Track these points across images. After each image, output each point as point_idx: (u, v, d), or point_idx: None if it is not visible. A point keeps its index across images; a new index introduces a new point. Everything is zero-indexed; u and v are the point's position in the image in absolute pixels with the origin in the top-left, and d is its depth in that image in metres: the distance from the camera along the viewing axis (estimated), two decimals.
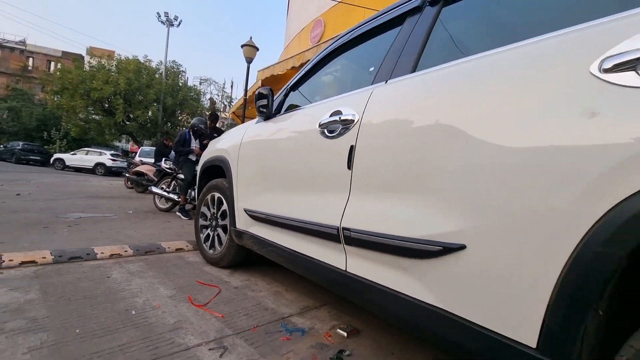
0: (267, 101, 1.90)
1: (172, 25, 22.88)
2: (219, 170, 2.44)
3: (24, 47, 33.93)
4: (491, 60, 0.94)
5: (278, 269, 2.47)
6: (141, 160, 8.59)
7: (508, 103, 0.85)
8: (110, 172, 17.95)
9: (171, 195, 5.05)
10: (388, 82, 1.28)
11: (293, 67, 6.80)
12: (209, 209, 2.54)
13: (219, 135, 6.07)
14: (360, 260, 1.20)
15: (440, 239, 0.92)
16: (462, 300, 0.88)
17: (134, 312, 1.56)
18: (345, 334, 1.54)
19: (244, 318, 1.63)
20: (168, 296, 1.80)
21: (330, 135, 1.39)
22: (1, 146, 21.15)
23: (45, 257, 2.16)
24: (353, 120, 1.30)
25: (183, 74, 26.87)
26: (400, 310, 1.05)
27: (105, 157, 18.37)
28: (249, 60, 8.11)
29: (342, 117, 1.35)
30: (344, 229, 1.25)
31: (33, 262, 2.08)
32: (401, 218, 1.05)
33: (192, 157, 5.16)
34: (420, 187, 1.01)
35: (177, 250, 2.79)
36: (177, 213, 4.84)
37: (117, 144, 28.01)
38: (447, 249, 0.90)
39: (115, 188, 8.67)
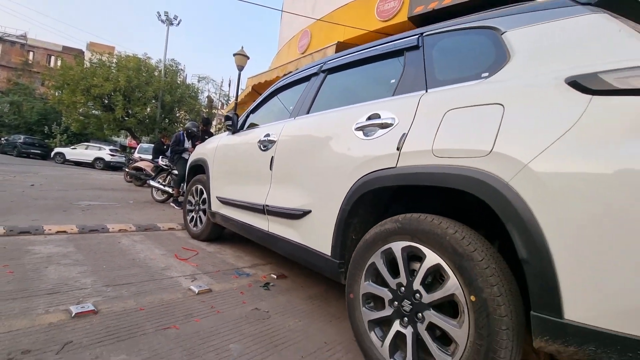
0: (232, 122, 2.75)
1: (172, 24, 23.54)
2: (201, 168, 3.27)
3: (24, 42, 34.43)
4: (329, 114, 1.80)
5: (242, 243, 3.30)
6: (140, 157, 9.37)
7: (331, 136, 1.69)
8: (108, 166, 18.66)
9: (166, 188, 5.87)
10: (296, 118, 2.12)
11: (277, 77, 7.63)
12: (193, 197, 3.38)
13: (209, 137, 6.91)
14: (273, 224, 2.05)
15: (301, 208, 1.77)
16: (310, 238, 1.73)
17: (138, 260, 2.40)
18: (275, 276, 2.39)
19: (210, 267, 2.48)
20: (161, 254, 2.64)
21: (263, 149, 2.23)
22: (3, 139, 21.82)
23: (72, 229, 2.99)
24: (274, 141, 2.14)
25: (181, 72, 27.53)
26: (289, 248, 1.90)
27: (105, 152, 19.08)
28: (240, 68, 8.92)
29: (269, 138, 2.19)
30: (265, 205, 2.09)
31: (64, 231, 2.91)
32: (288, 197, 1.90)
33: (186, 156, 5.98)
34: (295, 180, 1.86)
35: (170, 229, 3.63)
36: (172, 204, 5.67)
37: (115, 139, 28.67)
38: (305, 213, 1.75)
39: (116, 182, 9.47)
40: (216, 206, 2.85)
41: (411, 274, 1.22)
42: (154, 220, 3.97)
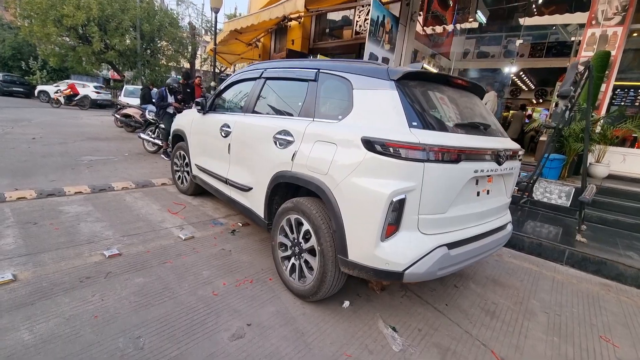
0: (201, 106, 3.46)
1: None
2: (181, 138, 4.05)
3: None
4: (263, 120, 2.57)
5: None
6: (128, 104, 9.80)
7: (262, 139, 2.49)
8: (95, 104, 18.76)
9: (156, 141, 6.62)
10: (245, 114, 2.87)
11: (252, 24, 7.77)
12: (178, 160, 4.22)
13: (191, 90, 7.41)
14: (233, 191, 2.95)
15: (247, 185, 2.66)
16: (254, 204, 2.65)
17: (141, 215, 3.35)
18: (241, 224, 3.39)
19: (194, 218, 3.45)
20: (157, 209, 3.59)
21: (224, 135, 3.01)
22: None
23: (86, 189, 3.88)
24: (230, 131, 2.92)
25: None
26: (243, 209, 2.83)
27: (89, 90, 18.94)
28: (216, 10, 8.84)
29: (227, 129, 2.96)
30: (226, 178, 2.97)
31: (81, 192, 3.81)
32: (240, 176, 2.77)
33: (170, 110, 6.60)
34: (244, 165, 2.72)
35: (162, 184, 4.54)
36: (162, 155, 6.48)
37: (101, 72, 27.69)
38: (249, 188, 2.64)
39: (108, 128, 10.05)
40: (195, 171, 3.71)
41: (298, 233, 2.18)
42: (148, 176, 4.85)
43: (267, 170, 2.41)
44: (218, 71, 30.36)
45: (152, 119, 6.81)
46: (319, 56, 6.66)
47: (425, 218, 1.74)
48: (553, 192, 4.59)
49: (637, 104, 6.54)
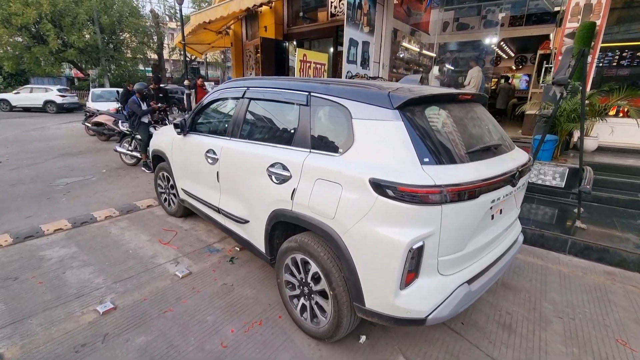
0: (180, 128, 3.19)
1: None
2: (162, 158, 3.77)
3: None
4: (252, 149, 2.36)
5: None
6: (98, 110, 9.19)
7: (254, 170, 2.30)
8: (62, 108, 17.69)
9: (134, 154, 6.26)
10: (231, 139, 2.64)
11: (222, 16, 7.26)
12: (162, 182, 3.96)
13: (164, 95, 6.98)
14: (228, 221, 2.76)
15: (243, 217, 2.48)
16: (252, 237, 2.48)
17: (130, 251, 3.14)
18: (238, 249, 3.23)
19: (188, 247, 3.27)
20: (147, 240, 3.38)
21: (210, 162, 2.79)
22: None
23: (67, 225, 3.61)
24: (217, 159, 2.70)
25: None
26: (240, 240, 2.67)
27: (54, 94, 17.77)
28: (180, 1, 8.22)
29: (213, 156, 2.74)
30: (219, 207, 2.78)
31: (61, 229, 3.54)
32: (234, 206, 2.58)
33: (145, 120, 6.21)
34: (236, 196, 2.53)
35: (148, 206, 4.29)
36: (142, 168, 6.14)
37: (63, 72, 25.96)
38: (246, 221, 2.47)
39: (79, 138, 9.48)
40: (183, 195, 3.48)
41: (306, 273, 2.04)
42: (132, 198, 4.58)
43: (264, 205, 2.24)
44: (189, 60, 29.13)
45: (127, 130, 6.39)
46: (297, 51, 6.30)
47: (444, 260, 1.63)
48: (547, 174, 4.59)
49: (615, 64, 6.55)
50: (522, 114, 6.20)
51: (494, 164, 1.82)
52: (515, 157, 2.04)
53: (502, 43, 11.43)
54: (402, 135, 1.61)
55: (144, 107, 6.15)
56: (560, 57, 5.39)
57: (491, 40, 9.16)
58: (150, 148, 4.04)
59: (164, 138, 3.75)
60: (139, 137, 6.14)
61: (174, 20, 29.39)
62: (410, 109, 1.69)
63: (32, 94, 17.85)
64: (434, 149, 1.62)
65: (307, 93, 2.09)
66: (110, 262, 2.96)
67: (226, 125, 2.79)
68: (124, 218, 3.93)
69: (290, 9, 9.70)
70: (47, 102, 17.59)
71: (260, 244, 2.40)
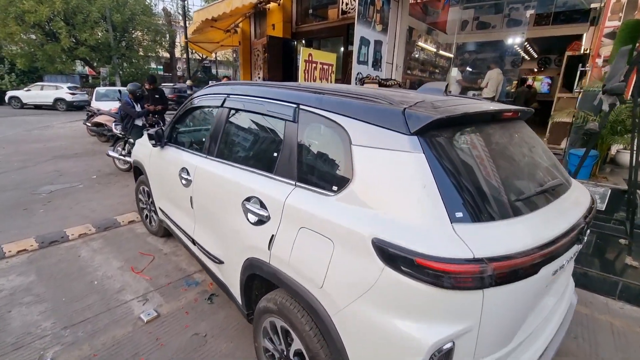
0: (155, 141, 2.73)
1: None
2: (141, 171, 3.32)
3: None
4: (228, 174, 1.86)
5: None
6: (99, 110, 8.89)
7: (229, 201, 1.80)
8: (72, 106, 17.64)
9: (128, 158, 5.85)
10: (207, 156, 2.16)
11: (224, 12, 6.82)
12: (143, 197, 3.51)
13: (160, 95, 6.57)
14: (203, 256, 2.28)
15: (218, 257, 1.99)
16: (229, 281, 1.99)
17: (95, 283, 2.69)
18: None
19: (163, 278, 2.80)
20: (118, 268, 2.92)
21: (184, 184, 2.31)
22: None
23: (33, 245, 3.19)
24: (191, 180, 2.22)
25: None
26: (217, 280, 2.18)
27: (64, 92, 17.77)
28: None
29: (187, 177, 2.26)
30: (193, 239, 2.30)
31: (25, 250, 3.12)
32: (208, 242, 2.10)
33: (139, 123, 5.83)
34: (211, 229, 2.04)
35: (130, 222, 3.85)
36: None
37: (76, 69, 26.11)
38: (221, 261, 1.97)
39: (80, 138, 9.21)
40: (161, 215, 3.02)
41: (287, 345, 1.53)
42: (115, 210, 4.15)
43: (238, 249, 1.75)
44: (199, 59, 29.00)
45: (120, 133, 6.01)
46: (302, 50, 5.79)
47: None
48: None
49: None
50: (543, 118, 5.56)
51: (554, 215, 1.27)
52: (578, 199, 1.48)
53: (525, 43, 10.69)
54: (423, 173, 1.09)
55: (138, 108, 5.77)
56: (597, 60, 4.75)
57: (514, 40, 8.48)
58: (132, 157, 3.60)
59: (142, 149, 3.29)
60: (132, 140, 5.75)
61: (186, 19, 29.31)
62: (436, 135, 1.16)
63: (42, 91, 17.88)
64: (470, 198, 1.08)
65: (294, 106, 1.58)
66: (68, 297, 2.51)
67: (203, 140, 2.31)
68: (100, 236, 3.50)
69: (299, 6, 9.20)
70: (57, 100, 17.61)
71: (236, 291, 1.91)
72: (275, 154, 1.65)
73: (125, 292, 2.59)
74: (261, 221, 1.55)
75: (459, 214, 1.04)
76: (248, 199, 1.63)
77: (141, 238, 3.50)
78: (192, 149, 2.44)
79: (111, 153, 6.04)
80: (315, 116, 1.47)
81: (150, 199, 3.31)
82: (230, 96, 2.08)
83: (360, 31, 6.06)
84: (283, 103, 1.63)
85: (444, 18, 9.52)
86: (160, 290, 2.64)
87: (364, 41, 6.27)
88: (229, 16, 8.89)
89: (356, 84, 6.38)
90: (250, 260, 1.62)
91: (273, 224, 1.49)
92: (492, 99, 7.45)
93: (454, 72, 8.06)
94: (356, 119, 1.31)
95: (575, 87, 5.33)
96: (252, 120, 1.94)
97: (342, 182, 1.30)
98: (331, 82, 6.60)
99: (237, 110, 2.01)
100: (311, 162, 1.47)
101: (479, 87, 8.26)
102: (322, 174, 1.41)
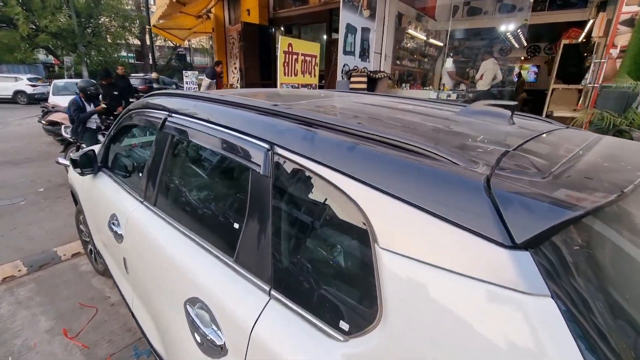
0: (90, 169, 2.05)
1: None
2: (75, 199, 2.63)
3: None
4: (163, 224, 1.23)
5: None
6: (54, 106, 7.90)
7: (168, 297, 1.19)
8: (34, 99, 16.25)
9: None
10: (143, 203, 1.51)
11: None
12: (84, 227, 2.81)
13: (120, 92, 5.75)
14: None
15: (158, 352, 1.37)
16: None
17: (10, 359, 2.03)
18: None
19: (105, 345, 2.16)
20: (46, 331, 2.26)
21: (116, 239, 1.66)
22: None
23: None
24: (122, 236, 1.57)
25: None
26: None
27: (23, 84, 16.36)
28: None
29: (116, 229, 1.61)
30: (132, 312, 1.67)
31: None
32: (148, 326, 1.48)
33: (92, 125, 5.05)
34: (148, 312, 1.40)
35: (73, 256, 3.15)
36: None
37: (38, 59, 24.19)
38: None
39: (35, 138, 8.25)
40: (102, 254, 2.36)
41: None
42: (59, 237, 3.44)
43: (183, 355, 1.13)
44: (173, 46, 27.37)
45: (71, 138, 5.20)
46: (280, 39, 5.04)
47: None
48: None
49: None
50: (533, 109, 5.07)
51: None
52: None
53: (518, 31, 10.22)
54: (558, 344, 0.48)
55: (90, 109, 4.97)
56: (612, 51, 4.27)
57: (511, 27, 7.98)
58: (69, 179, 2.89)
59: (75, 176, 2.59)
60: (84, 146, 4.96)
61: (156, 3, 27.50)
62: (556, 246, 0.55)
63: (0, 83, 16.37)
64: None
65: (265, 147, 0.93)
66: None
67: (140, 174, 1.65)
68: (32, 279, 2.80)
69: None
70: (17, 93, 16.26)
71: None
72: (236, 226, 1.02)
73: None
74: (212, 350, 0.93)
75: None
76: (192, 302, 1.01)
77: (85, 279, 2.82)
78: (127, 184, 1.77)
79: (61, 161, 5.15)
80: (302, 171, 0.84)
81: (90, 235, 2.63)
82: (173, 115, 1.41)
83: (346, 17, 5.39)
84: (246, 138, 0.99)
85: (433, 3, 8.89)
86: None
87: (351, 29, 5.61)
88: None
89: (342, 77, 5.74)
90: None
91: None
92: (487, 92, 6.95)
93: (449, 64, 7.49)
94: (383, 191, 0.68)
95: (588, 80, 4.80)
96: (201, 159, 1.30)
97: (357, 320, 0.69)
98: (315, 76, 5.91)
99: (180, 140, 1.36)
100: (297, 260, 0.86)
101: (472, 79, 7.75)
102: (319, 292, 0.80)
